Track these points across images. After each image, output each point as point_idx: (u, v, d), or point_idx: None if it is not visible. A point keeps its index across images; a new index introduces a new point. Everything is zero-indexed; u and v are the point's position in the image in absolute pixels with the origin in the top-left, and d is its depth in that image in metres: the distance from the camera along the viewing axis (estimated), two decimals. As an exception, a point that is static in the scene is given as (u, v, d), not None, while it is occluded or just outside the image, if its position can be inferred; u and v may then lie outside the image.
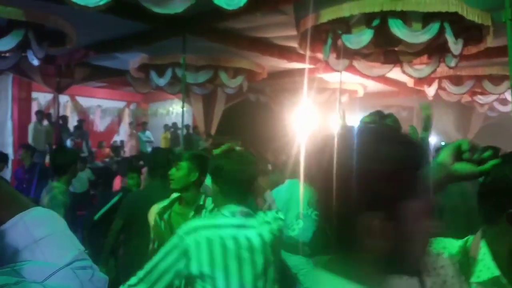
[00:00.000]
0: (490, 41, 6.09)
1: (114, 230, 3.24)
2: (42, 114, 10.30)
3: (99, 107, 14.81)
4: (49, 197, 3.01)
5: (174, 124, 12.91)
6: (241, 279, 1.63)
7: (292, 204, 2.89)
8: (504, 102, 10.65)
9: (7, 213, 0.68)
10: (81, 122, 11.49)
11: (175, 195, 2.53)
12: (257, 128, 12.01)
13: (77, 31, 6.56)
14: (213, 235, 1.63)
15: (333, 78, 10.05)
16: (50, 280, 0.65)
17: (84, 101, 14.34)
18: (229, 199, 1.75)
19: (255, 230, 1.71)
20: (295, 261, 2.60)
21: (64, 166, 3.11)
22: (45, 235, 0.69)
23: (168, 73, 8.61)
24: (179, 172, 2.36)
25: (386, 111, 2.63)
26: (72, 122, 12.07)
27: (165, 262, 1.58)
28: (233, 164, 1.76)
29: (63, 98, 12.50)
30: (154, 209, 2.54)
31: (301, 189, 2.94)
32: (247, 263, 1.64)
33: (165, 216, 2.40)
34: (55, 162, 3.21)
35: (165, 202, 2.49)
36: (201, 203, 2.36)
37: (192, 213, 2.35)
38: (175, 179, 2.37)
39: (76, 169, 3.28)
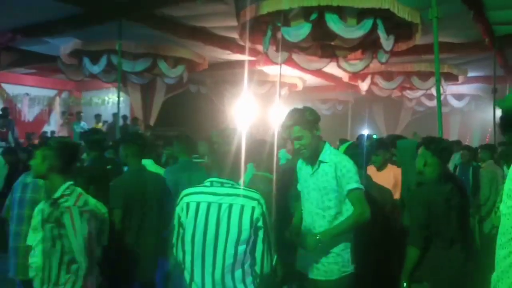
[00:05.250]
0: (419, 39, 6.48)
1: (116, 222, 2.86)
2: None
3: (27, 95, 13.90)
4: None
5: (115, 114, 12.40)
6: (204, 240, 1.89)
7: None
8: (430, 97, 11.40)
9: None
10: (5, 110, 10.68)
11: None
12: (197, 119, 11.89)
13: (2, 12, 6.10)
14: (193, 199, 1.95)
15: (273, 71, 10.19)
16: None
17: (10, 89, 13.42)
18: (213, 171, 1.97)
19: (226, 199, 1.89)
20: None
21: None
22: None
23: (103, 60, 8.26)
24: (34, 160, 2.40)
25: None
26: (-3, 111, 11.23)
27: (175, 218, 2.00)
28: (216, 139, 1.94)
29: (-13, 85, 11.64)
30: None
31: None
32: (212, 227, 1.88)
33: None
34: None
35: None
36: (58, 195, 2.26)
37: (42, 202, 2.37)
38: (32, 167, 2.45)
39: None
